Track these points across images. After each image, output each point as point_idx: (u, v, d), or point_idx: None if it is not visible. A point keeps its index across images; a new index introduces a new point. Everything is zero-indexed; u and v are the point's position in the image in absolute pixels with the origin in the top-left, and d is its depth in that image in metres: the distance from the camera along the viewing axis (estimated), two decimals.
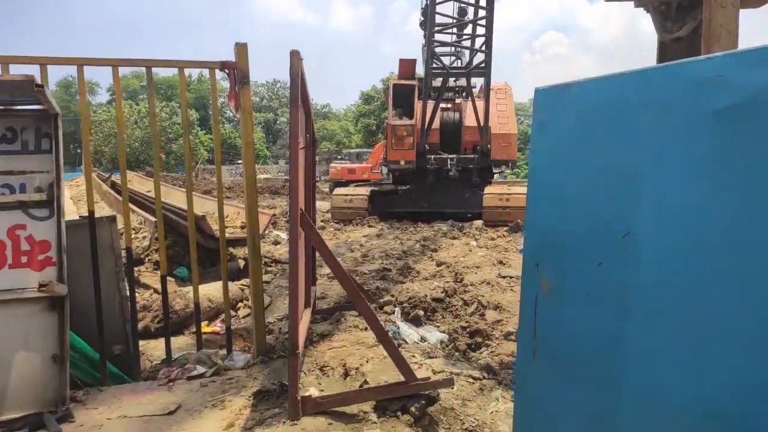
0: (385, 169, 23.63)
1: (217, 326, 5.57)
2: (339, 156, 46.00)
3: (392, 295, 5.71)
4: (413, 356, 3.95)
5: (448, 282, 6.36)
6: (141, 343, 4.40)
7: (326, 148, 60.65)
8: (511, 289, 6.12)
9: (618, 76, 1.63)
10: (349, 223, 13.61)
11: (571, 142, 1.83)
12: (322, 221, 13.77)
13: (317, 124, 78.16)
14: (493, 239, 10.17)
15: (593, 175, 1.75)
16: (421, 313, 5.17)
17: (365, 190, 15.15)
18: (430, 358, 4.07)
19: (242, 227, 8.23)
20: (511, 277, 6.76)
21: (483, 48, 14.07)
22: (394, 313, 5.23)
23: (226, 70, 3.54)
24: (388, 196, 15.63)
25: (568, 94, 1.80)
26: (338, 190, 15.50)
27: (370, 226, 13.05)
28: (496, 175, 17.13)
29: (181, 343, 5.13)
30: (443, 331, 4.92)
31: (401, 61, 16.10)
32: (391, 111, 15.58)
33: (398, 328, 4.96)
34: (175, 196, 10.94)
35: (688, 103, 1.45)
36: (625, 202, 1.62)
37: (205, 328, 5.27)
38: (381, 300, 5.48)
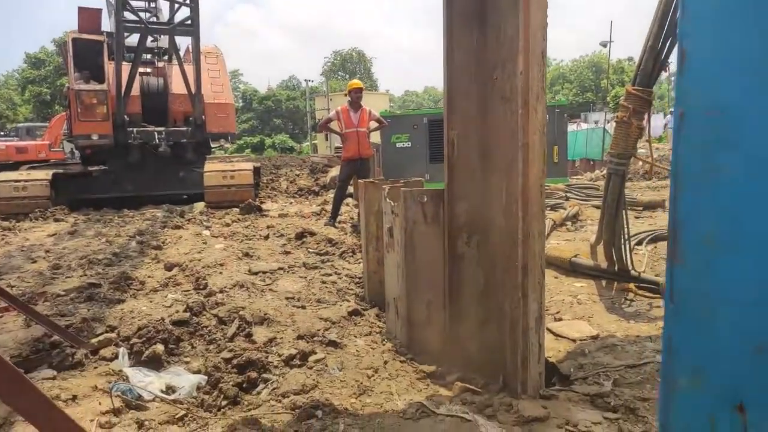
0: (69, 147, 19.46)
1: None
2: (2, 132, 37.48)
3: (110, 327, 3.93)
4: None
5: (188, 292, 4.79)
6: None
7: None
8: (271, 290, 4.91)
9: None
10: (25, 218, 10.33)
11: None
12: None
13: None
14: (228, 225, 8.68)
15: None
16: (161, 348, 3.59)
17: (45, 173, 11.79)
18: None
19: None
20: (264, 273, 5.53)
21: (187, 2, 12.12)
22: (117, 356, 3.52)
23: None
24: (78, 179, 12.50)
25: None
26: (4, 175, 11.71)
27: (57, 220, 10.08)
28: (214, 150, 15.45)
29: None
30: (198, 371, 3.46)
31: (81, 10, 12.86)
32: (73, 73, 12.32)
33: (127, 378, 3.33)
34: None
35: None
36: None
37: None
38: (95, 339, 3.68)
